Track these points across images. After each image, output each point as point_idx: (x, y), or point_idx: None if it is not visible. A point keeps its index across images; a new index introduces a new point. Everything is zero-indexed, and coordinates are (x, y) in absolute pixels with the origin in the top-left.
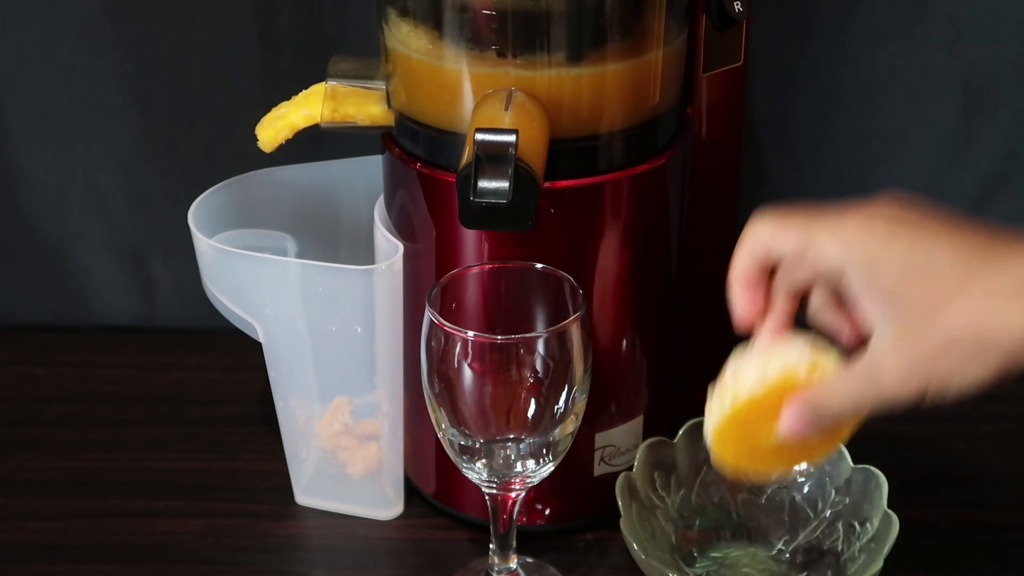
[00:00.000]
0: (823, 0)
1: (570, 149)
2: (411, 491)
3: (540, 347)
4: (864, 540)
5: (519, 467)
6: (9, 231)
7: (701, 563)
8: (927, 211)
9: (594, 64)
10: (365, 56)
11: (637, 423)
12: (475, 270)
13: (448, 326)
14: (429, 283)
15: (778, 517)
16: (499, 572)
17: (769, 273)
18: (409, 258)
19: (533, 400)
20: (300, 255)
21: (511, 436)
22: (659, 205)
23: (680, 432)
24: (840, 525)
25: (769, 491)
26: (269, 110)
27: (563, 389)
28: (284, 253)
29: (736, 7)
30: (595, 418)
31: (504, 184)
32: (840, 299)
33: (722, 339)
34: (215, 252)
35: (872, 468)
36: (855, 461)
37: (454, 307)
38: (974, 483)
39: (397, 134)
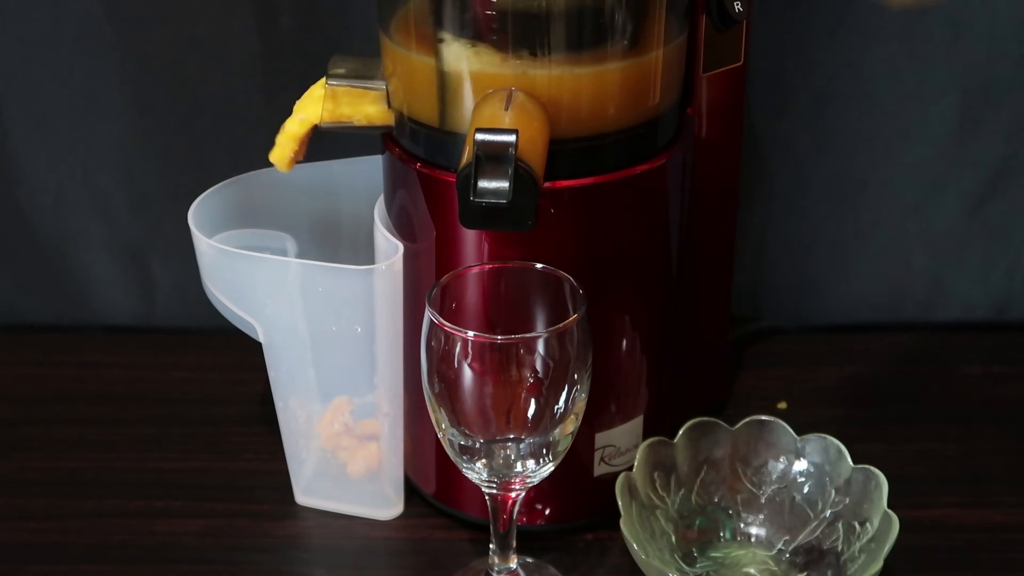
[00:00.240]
0: (823, 0)
1: (570, 149)
2: (411, 491)
3: (540, 347)
4: (864, 540)
5: (519, 467)
6: (9, 231)
7: (701, 563)
8: None
9: (594, 64)
10: (365, 56)
11: (637, 423)
12: (475, 270)
13: (448, 326)
14: (429, 283)
15: (778, 517)
16: (499, 572)
17: None
18: (409, 258)
19: (533, 400)
20: (300, 255)
21: (511, 436)
22: (659, 205)
23: (680, 432)
24: (840, 525)
25: (769, 491)
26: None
27: (563, 389)
28: (284, 253)
29: (736, 7)
30: (595, 418)
31: (504, 184)
32: None
33: (722, 339)
34: (215, 252)
35: (872, 468)
36: (855, 461)
37: (454, 307)
38: (974, 483)
39: (397, 134)
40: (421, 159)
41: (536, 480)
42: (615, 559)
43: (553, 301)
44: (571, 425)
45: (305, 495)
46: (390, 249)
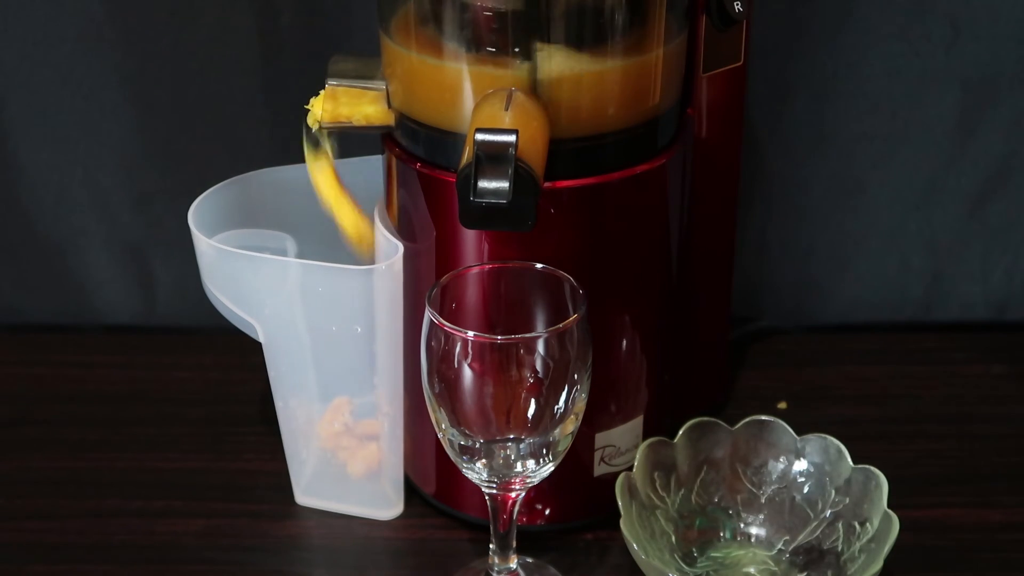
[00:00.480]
0: (823, 0)
1: (570, 149)
2: (411, 491)
3: (540, 347)
4: (864, 540)
5: (519, 467)
6: (10, 230)
7: (701, 563)
8: None
9: (594, 64)
10: (365, 56)
11: (637, 423)
12: (475, 270)
13: (448, 326)
14: (429, 283)
15: (778, 517)
16: (499, 572)
17: None
18: (409, 258)
19: (533, 400)
20: (300, 255)
21: (511, 436)
22: (659, 205)
23: (680, 432)
24: (840, 525)
25: (769, 491)
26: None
27: (563, 389)
28: (284, 253)
29: (736, 7)
30: (595, 418)
31: (504, 184)
32: None
33: (722, 339)
34: (215, 252)
35: (872, 468)
36: (855, 461)
37: (454, 307)
38: (974, 483)
39: (397, 134)
40: (421, 159)
41: (536, 480)
42: (615, 559)
43: (553, 301)
44: (571, 425)
45: (305, 495)
46: (390, 249)
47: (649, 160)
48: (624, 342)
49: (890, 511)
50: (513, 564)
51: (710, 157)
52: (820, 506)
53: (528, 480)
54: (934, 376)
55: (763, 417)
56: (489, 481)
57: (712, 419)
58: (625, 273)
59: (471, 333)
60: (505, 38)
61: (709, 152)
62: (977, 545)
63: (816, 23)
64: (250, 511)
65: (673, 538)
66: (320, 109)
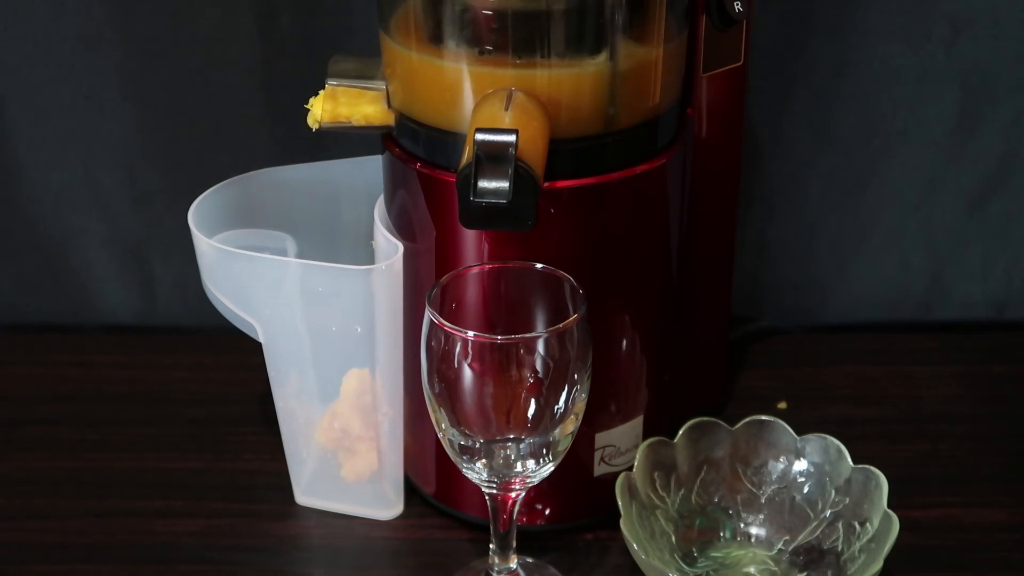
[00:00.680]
0: (823, 0)
1: (570, 149)
2: (411, 491)
3: (540, 347)
4: (864, 540)
5: (519, 467)
6: (10, 229)
7: (701, 563)
8: None
9: (594, 64)
10: (365, 56)
11: (637, 423)
12: (475, 270)
13: (448, 326)
14: (429, 283)
15: (778, 517)
16: (499, 572)
17: None
18: (409, 258)
19: (533, 400)
20: (300, 255)
21: (511, 436)
22: (659, 205)
23: (680, 432)
24: (840, 525)
25: (769, 491)
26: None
27: (563, 389)
28: (284, 253)
29: (736, 7)
30: (595, 418)
31: (504, 184)
32: None
33: (722, 339)
34: (215, 252)
35: (872, 468)
36: (855, 461)
37: (454, 307)
38: (974, 483)
39: (397, 134)
40: (421, 159)
41: (536, 480)
42: (615, 559)
43: (553, 301)
44: (571, 425)
45: (305, 495)
46: (390, 249)
47: (649, 160)
48: (624, 342)
49: (890, 511)
50: (513, 564)
51: (710, 157)
52: (820, 506)
53: (528, 480)
54: (934, 376)
55: (763, 417)
56: (489, 481)
57: (712, 419)
58: (625, 273)
59: (471, 333)
60: (505, 38)
61: (709, 152)
62: (977, 545)
63: (816, 23)
64: (250, 511)
65: (673, 538)
66: (320, 109)
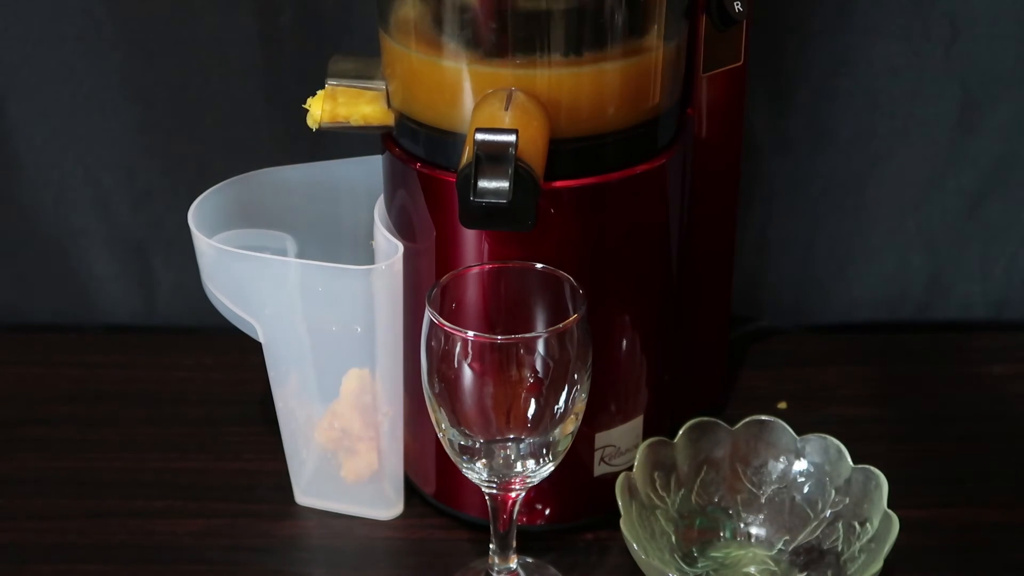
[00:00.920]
0: (823, 0)
1: (570, 149)
2: (411, 491)
3: (540, 347)
4: (864, 540)
5: (519, 467)
6: (10, 229)
7: (701, 563)
8: None
9: (594, 64)
10: (365, 56)
11: (637, 423)
12: (475, 270)
13: (448, 326)
14: (429, 283)
15: (778, 517)
16: (499, 572)
17: None
18: (409, 258)
19: (533, 400)
20: (300, 255)
21: (511, 436)
22: (659, 205)
23: (680, 432)
24: (840, 525)
25: (769, 491)
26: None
27: (563, 389)
28: (284, 253)
29: (736, 7)
30: (595, 418)
31: (504, 184)
32: None
33: (722, 339)
34: (215, 252)
35: (872, 468)
36: (855, 461)
37: (454, 307)
38: (974, 483)
39: (397, 134)
40: (421, 159)
41: (536, 480)
42: (615, 559)
43: (553, 301)
44: (571, 425)
45: (305, 495)
46: (390, 249)
47: (649, 160)
48: (624, 342)
49: (890, 511)
50: (513, 564)
51: (710, 157)
52: (820, 506)
53: (528, 480)
54: (934, 376)
55: (763, 417)
56: (489, 481)
57: (712, 419)
58: (625, 273)
59: (471, 333)
60: (505, 38)
61: (709, 152)
62: (977, 545)
63: (816, 23)
64: (250, 511)
65: (673, 538)
66: (318, 109)
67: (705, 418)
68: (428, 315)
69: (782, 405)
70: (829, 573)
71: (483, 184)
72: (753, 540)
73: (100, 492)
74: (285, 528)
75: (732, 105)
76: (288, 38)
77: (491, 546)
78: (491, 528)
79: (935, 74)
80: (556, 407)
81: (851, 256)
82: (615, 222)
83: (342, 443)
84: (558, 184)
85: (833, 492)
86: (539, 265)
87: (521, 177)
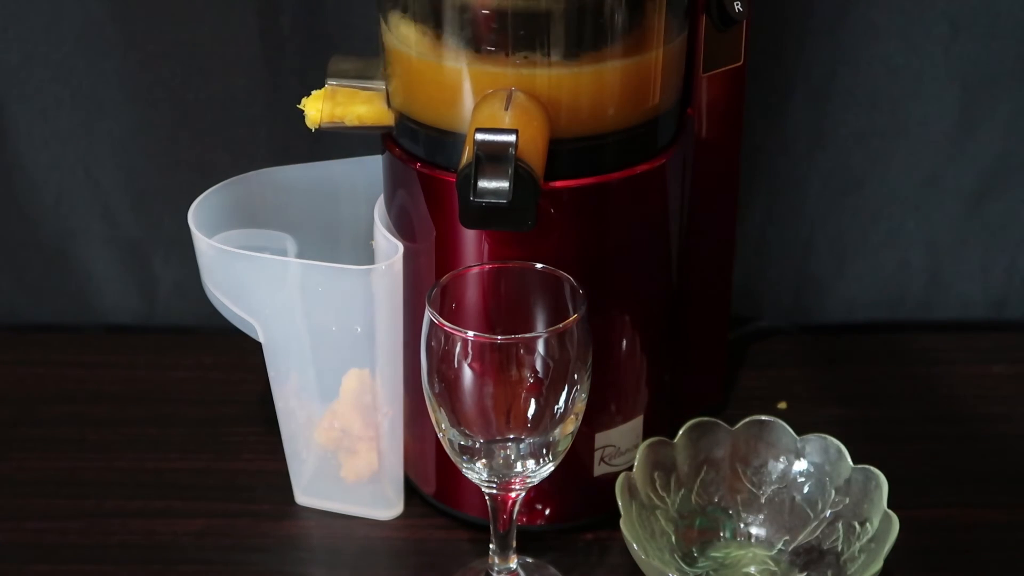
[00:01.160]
0: (823, 0)
1: (570, 149)
2: (411, 491)
3: (540, 347)
4: (864, 540)
5: (519, 467)
6: (10, 230)
7: (701, 563)
8: None
9: (594, 64)
10: (365, 56)
11: (637, 423)
12: (475, 270)
13: (448, 326)
14: (429, 283)
15: (778, 517)
16: (499, 572)
17: None
18: (409, 258)
19: (533, 400)
20: (300, 255)
21: (511, 436)
22: (659, 205)
23: (680, 432)
24: (840, 525)
25: (769, 491)
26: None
27: (563, 389)
28: (284, 253)
29: (736, 7)
30: (595, 418)
31: (504, 184)
32: None
33: (722, 339)
34: (215, 252)
35: (872, 468)
36: (855, 461)
37: (454, 307)
38: (974, 483)
39: (397, 134)
40: (421, 159)
41: (536, 480)
42: (615, 559)
43: (553, 301)
44: (571, 425)
45: (305, 495)
46: (390, 249)
47: (649, 160)
48: (624, 342)
49: (890, 511)
50: (513, 564)
51: (710, 157)
52: (820, 506)
53: (528, 480)
54: (934, 376)
55: (763, 417)
56: (489, 481)
57: (712, 419)
58: (625, 273)
59: (471, 333)
60: (505, 38)
61: (709, 152)
62: (977, 545)
63: (816, 23)
64: (250, 511)
65: (673, 538)
66: (313, 110)
67: (705, 418)
68: (428, 315)
69: (782, 405)
70: (829, 573)
71: (483, 184)
72: (753, 540)
73: (100, 492)
74: (285, 528)
75: (732, 105)
76: (288, 38)
77: (491, 546)
78: (491, 528)
79: (935, 73)
80: (556, 407)
81: (851, 255)
82: (615, 222)
83: (342, 443)
84: (558, 184)
85: (833, 492)
86: (539, 265)
87: (521, 177)
